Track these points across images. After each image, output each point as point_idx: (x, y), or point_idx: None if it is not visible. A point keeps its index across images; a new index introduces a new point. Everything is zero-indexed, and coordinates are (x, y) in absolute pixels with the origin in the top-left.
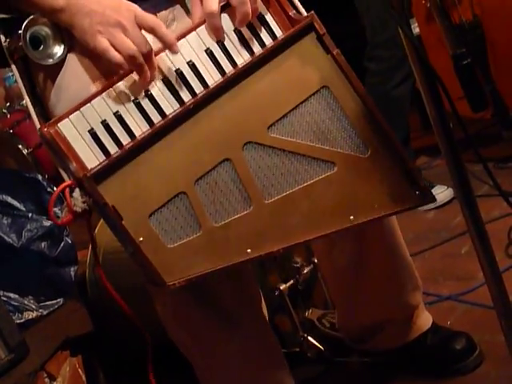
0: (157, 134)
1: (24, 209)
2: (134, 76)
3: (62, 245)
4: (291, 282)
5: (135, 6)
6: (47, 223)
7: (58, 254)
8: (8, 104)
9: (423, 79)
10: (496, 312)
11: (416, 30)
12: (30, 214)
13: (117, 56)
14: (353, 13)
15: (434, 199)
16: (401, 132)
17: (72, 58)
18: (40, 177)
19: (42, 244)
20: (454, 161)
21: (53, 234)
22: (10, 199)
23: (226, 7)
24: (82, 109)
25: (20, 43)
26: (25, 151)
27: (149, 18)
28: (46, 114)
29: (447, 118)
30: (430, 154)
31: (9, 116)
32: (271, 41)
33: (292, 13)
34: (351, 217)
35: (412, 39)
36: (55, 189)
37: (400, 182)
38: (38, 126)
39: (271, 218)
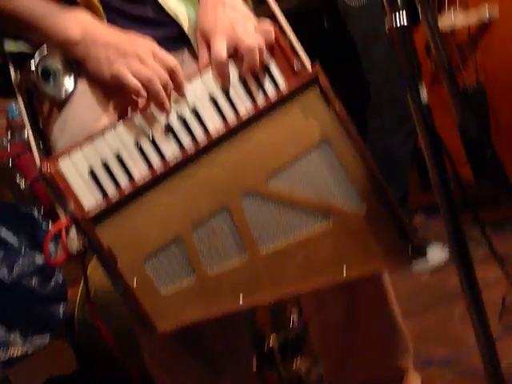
0: (157, 180)
1: (17, 243)
2: (136, 117)
3: (52, 282)
4: (281, 332)
5: (154, 43)
6: (39, 259)
7: (48, 291)
8: (9, 136)
9: (428, 145)
10: (487, 380)
11: (424, 94)
12: (23, 249)
13: (134, 81)
14: (358, 67)
15: (425, 256)
16: (400, 190)
17: (79, 94)
18: (36, 212)
19: (33, 280)
20: (453, 226)
21: (44, 270)
22: (4, 232)
23: (233, 54)
24: (83, 148)
25: (30, 76)
26: (22, 184)
27: (169, 57)
28: (47, 148)
29: (449, 182)
30: (428, 212)
31: (9, 148)
32: (274, 91)
33: (296, 64)
34: (344, 271)
35: (421, 107)
36: (50, 225)
37: (393, 238)
38: (38, 161)
39: (265, 268)
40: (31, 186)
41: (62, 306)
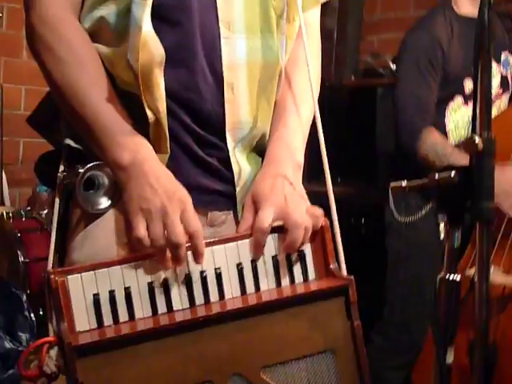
0: (156, 333)
1: None
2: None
3: (10, 371)
4: None
5: (188, 201)
6: (8, 345)
7: (2, 379)
8: (29, 208)
9: None
10: None
11: (450, 357)
12: None
13: (145, 238)
14: (382, 280)
15: None
16: None
17: (111, 215)
18: (25, 297)
19: None
20: None
21: (8, 357)
22: None
23: (276, 229)
24: (97, 270)
25: (76, 178)
26: (21, 259)
27: (194, 221)
28: (62, 251)
29: None
30: None
31: (24, 220)
32: (301, 281)
33: (332, 266)
34: None
35: (442, 367)
36: (33, 315)
37: None
38: (50, 266)
39: None
40: (27, 265)
41: None
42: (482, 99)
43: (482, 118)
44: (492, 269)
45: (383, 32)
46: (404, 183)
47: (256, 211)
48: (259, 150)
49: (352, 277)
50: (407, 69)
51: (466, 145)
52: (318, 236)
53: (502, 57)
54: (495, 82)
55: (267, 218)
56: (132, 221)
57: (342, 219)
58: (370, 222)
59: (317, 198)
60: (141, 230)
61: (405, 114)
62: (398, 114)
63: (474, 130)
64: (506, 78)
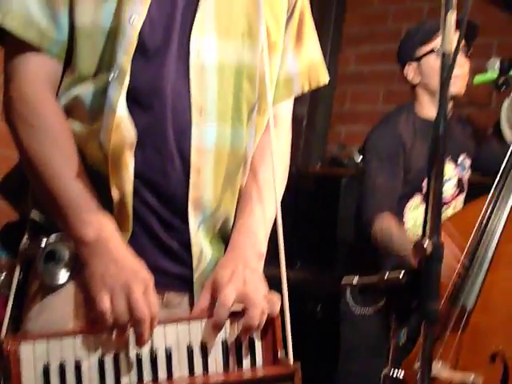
0: None
1: None
2: (112, 335)
3: None
4: None
5: (151, 282)
6: None
7: None
8: None
9: None
10: None
11: None
12: None
13: (108, 313)
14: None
15: None
16: None
17: (71, 287)
18: None
19: None
20: None
21: None
22: None
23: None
24: (50, 340)
25: (37, 249)
26: None
27: (153, 304)
28: (18, 319)
29: None
30: None
31: None
32: (249, 366)
33: (281, 352)
34: None
35: None
36: None
37: None
38: (3, 333)
39: None
40: None
41: None
42: (433, 204)
43: (433, 223)
44: (440, 364)
45: (351, 124)
46: (355, 280)
47: (213, 296)
48: (223, 236)
49: (298, 363)
50: (371, 164)
51: (415, 248)
52: (267, 323)
53: (460, 159)
54: (452, 183)
55: (230, 295)
56: (96, 296)
57: (298, 303)
58: (326, 308)
59: (275, 280)
60: (105, 304)
61: (363, 202)
62: (358, 203)
63: (424, 234)
64: (463, 179)
